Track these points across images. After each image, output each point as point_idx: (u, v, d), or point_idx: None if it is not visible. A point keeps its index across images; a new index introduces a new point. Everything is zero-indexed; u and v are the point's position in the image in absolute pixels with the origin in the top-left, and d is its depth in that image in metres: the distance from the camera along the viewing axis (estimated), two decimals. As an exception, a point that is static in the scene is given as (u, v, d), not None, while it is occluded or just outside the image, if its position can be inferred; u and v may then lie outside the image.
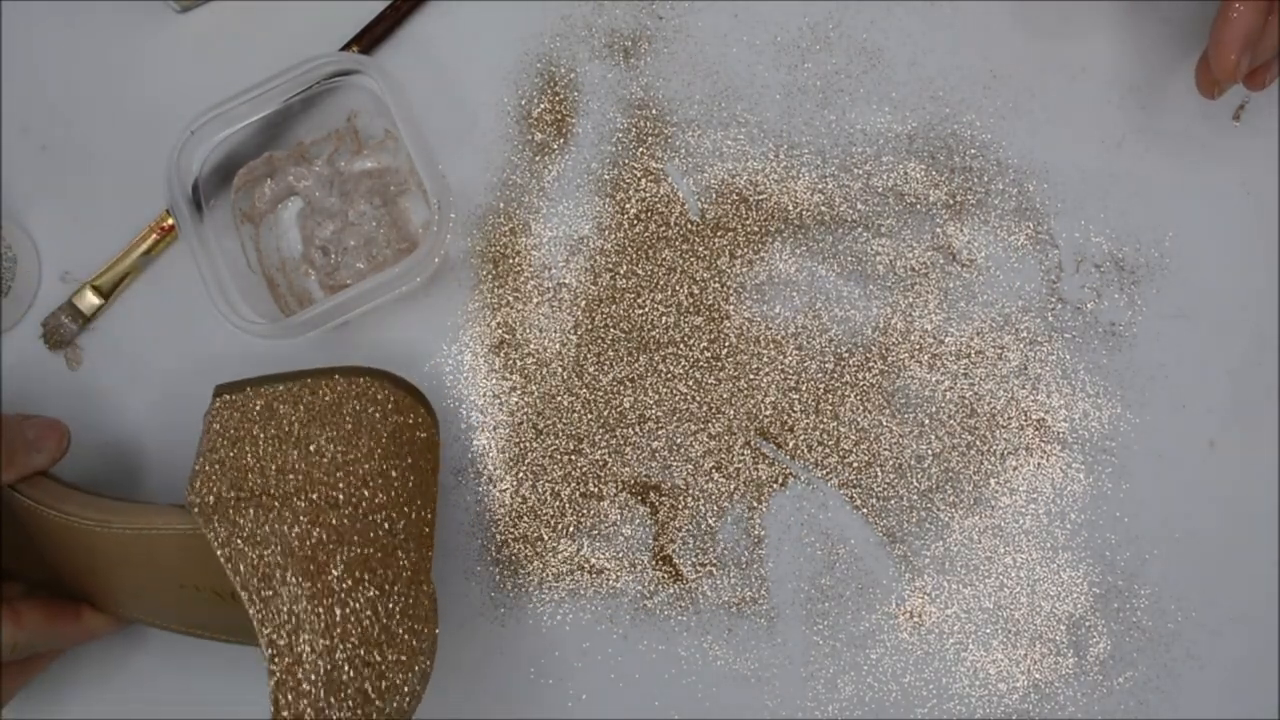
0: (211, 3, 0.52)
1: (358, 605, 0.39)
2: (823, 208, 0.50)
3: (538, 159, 0.51)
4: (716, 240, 0.50)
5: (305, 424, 0.43)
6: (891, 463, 0.48)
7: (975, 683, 0.47)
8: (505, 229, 0.51)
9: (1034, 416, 0.49)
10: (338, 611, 0.39)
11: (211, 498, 0.41)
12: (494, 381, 0.50)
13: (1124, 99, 0.51)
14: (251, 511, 0.41)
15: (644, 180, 0.51)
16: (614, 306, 0.50)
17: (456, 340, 0.50)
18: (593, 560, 0.48)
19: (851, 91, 0.51)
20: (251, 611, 0.39)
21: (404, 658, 0.40)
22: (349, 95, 0.50)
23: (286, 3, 0.52)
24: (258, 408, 0.44)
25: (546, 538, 0.48)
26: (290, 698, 0.37)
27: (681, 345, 0.49)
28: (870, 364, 0.49)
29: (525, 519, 0.49)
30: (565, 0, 0.52)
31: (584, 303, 0.50)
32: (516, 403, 0.49)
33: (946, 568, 0.48)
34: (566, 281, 0.50)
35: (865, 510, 0.48)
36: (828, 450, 0.49)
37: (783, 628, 0.48)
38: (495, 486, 0.49)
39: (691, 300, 0.50)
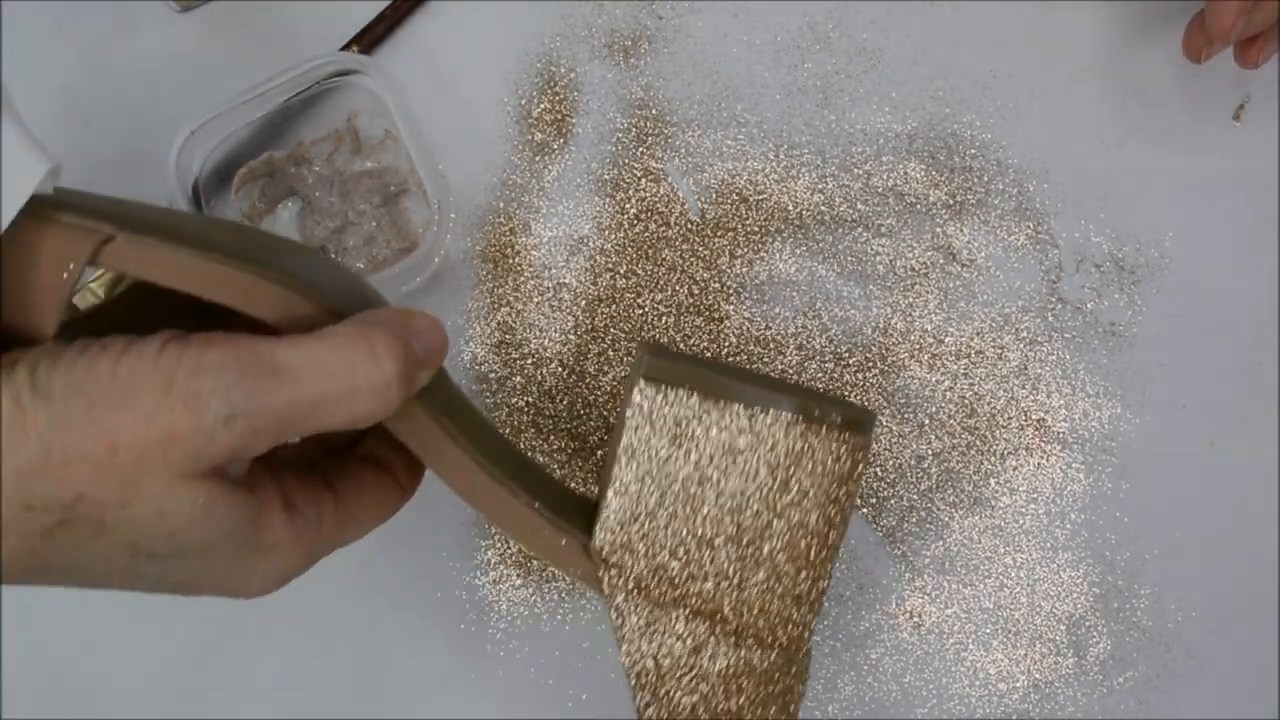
0: (211, 2, 0.52)
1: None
2: (823, 208, 0.50)
3: (538, 159, 0.51)
4: (716, 240, 0.50)
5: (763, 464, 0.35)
6: (891, 463, 0.48)
7: (975, 683, 0.47)
8: (505, 229, 0.51)
9: (1034, 416, 0.49)
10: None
11: (623, 536, 0.35)
12: (494, 381, 0.49)
13: (1124, 99, 0.51)
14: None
15: (644, 180, 0.51)
16: (614, 306, 0.50)
17: (456, 340, 0.50)
18: (593, 560, 0.48)
19: (851, 91, 0.51)
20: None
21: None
22: (349, 95, 0.50)
23: (286, 3, 0.52)
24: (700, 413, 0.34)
25: (546, 538, 0.48)
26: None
27: (681, 345, 0.49)
28: (870, 364, 0.49)
29: (525, 519, 0.48)
30: (565, 0, 0.52)
31: (584, 303, 0.50)
32: (516, 403, 0.49)
33: (946, 568, 0.48)
34: (566, 281, 0.50)
35: (865, 510, 0.48)
36: (828, 450, 0.48)
37: (783, 628, 0.48)
38: (495, 486, 0.49)
39: (691, 300, 0.50)
